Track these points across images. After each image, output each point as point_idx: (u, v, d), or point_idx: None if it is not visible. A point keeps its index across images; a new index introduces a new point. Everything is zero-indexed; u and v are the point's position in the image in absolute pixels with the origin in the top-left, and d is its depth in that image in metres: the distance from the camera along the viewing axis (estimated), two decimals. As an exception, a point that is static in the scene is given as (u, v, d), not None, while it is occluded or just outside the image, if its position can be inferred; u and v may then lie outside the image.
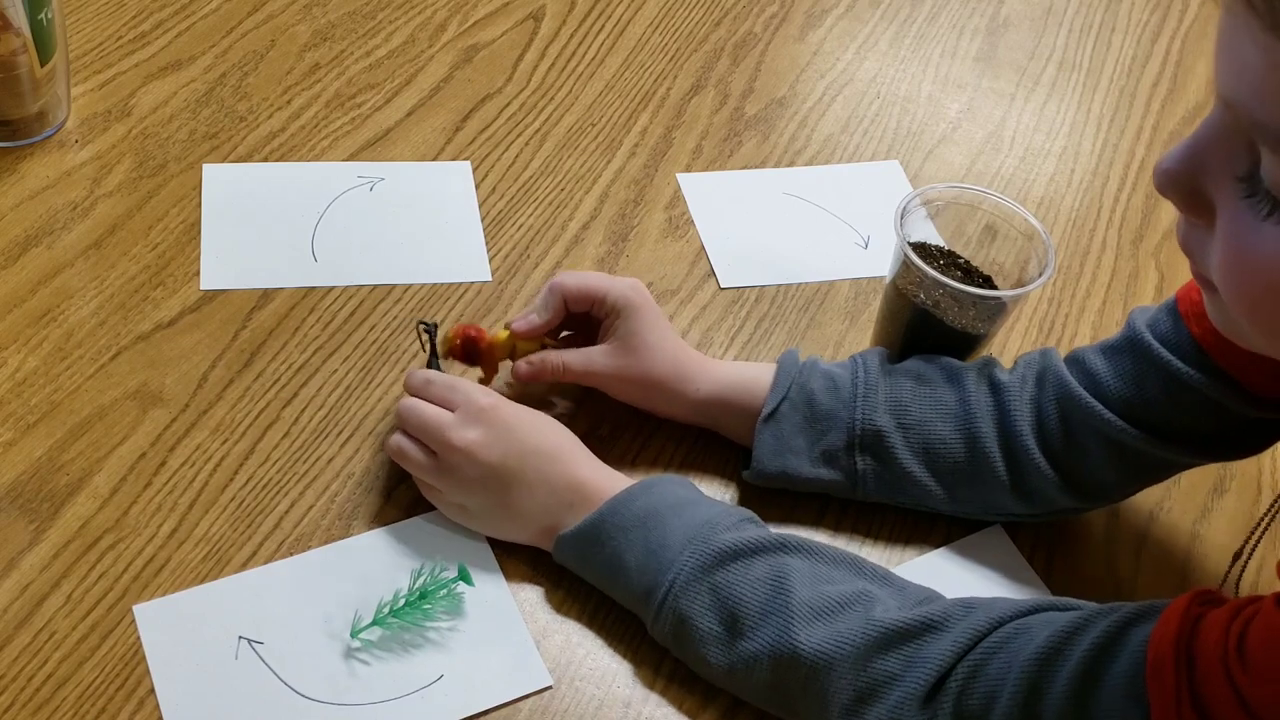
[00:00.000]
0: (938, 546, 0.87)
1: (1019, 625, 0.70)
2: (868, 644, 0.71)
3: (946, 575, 0.85)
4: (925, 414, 0.84)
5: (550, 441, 0.82)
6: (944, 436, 0.84)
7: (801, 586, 0.74)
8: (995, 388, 0.85)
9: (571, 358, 0.87)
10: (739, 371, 0.89)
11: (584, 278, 0.88)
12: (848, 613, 0.73)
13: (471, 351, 0.88)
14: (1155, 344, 0.79)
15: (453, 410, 0.81)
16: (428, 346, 0.88)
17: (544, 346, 0.89)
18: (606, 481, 0.80)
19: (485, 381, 0.89)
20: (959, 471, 0.84)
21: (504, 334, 0.88)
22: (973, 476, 0.84)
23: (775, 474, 0.85)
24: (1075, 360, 0.85)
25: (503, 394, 0.84)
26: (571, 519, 0.79)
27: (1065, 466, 0.83)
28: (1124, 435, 0.80)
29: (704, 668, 0.76)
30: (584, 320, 0.90)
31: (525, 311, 0.88)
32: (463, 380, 0.83)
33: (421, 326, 0.88)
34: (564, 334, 0.91)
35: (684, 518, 0.78)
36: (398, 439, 0.82)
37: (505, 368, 0.89)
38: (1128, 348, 0.82)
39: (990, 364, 0.87)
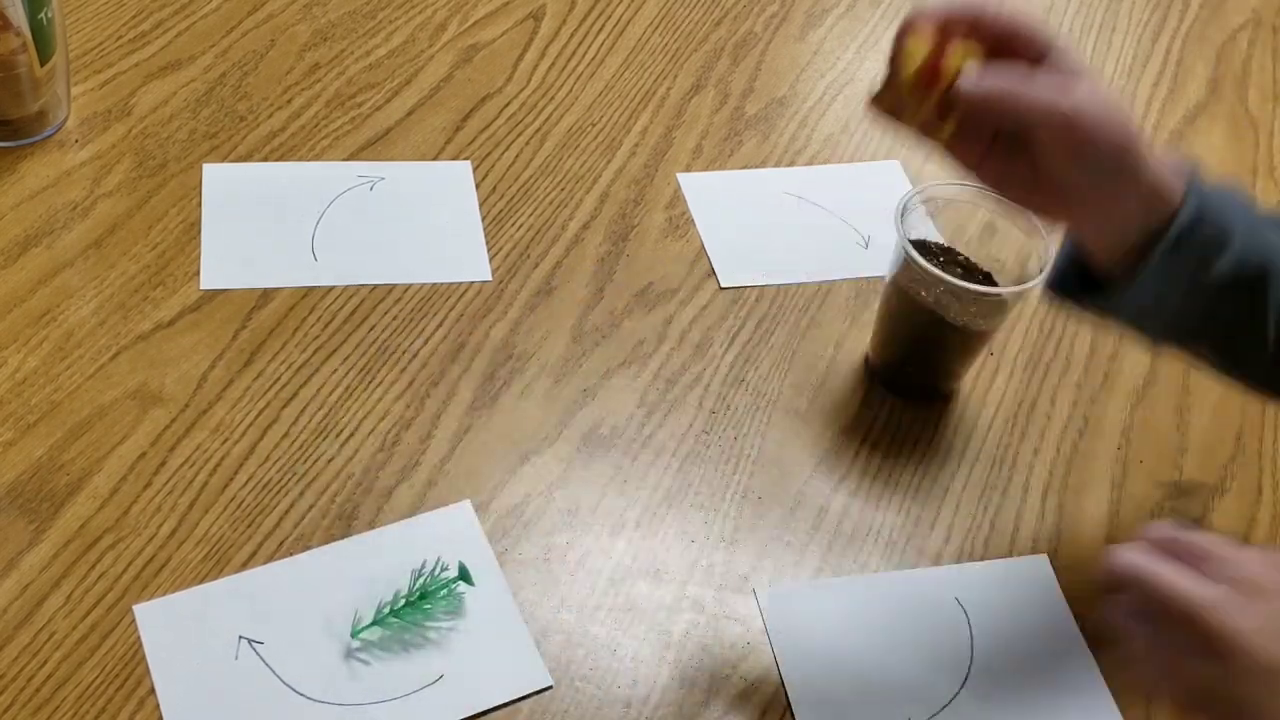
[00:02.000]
0: (936, 550, 0.87)
1: None
2: None
3: (961, 587, 0.85)
4: None
5: None
6: None
7: None
8: None
9: (1019, 86, 0.67)
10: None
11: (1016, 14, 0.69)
12: None
13: (934, 79, 0.67)
14: None
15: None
16: None
17: None
18: None
19: (930, 128, 0.70)
20: None
21: (956, 53, 0.66)
22: None
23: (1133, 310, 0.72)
24: None
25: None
26: None
27: None
28: None
29: None
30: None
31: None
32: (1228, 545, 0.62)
33: None
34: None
35: None
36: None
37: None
38: None
39: None
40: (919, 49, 0.66)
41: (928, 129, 0.71)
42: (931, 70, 0.66)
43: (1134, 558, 0.60)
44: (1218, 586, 0.58)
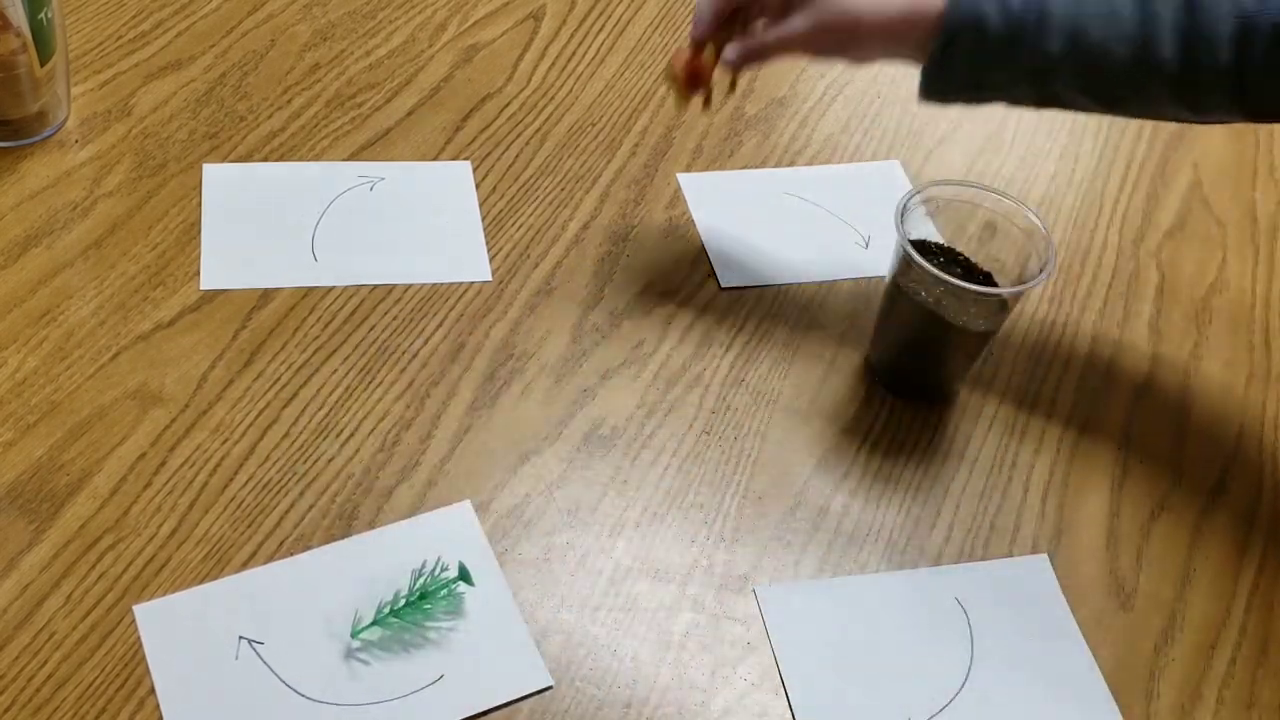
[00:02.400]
0: (936, 550, 0.87)
1: None
2: None
3: (961, 587, 0.85)
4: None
5: None
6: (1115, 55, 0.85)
7: None
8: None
9: (768, 36, 0.91)
10: None
11: None
12: None
13: (697, 78, 0.93)
14: None
15: None
16: None
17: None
18: None
19: (707, 104, 0.98)
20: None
21: (708, 52, 0.93)
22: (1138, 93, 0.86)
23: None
24: None
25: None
26: None
27: (1252, 95, 0.84)
28: None
29: None
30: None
31: (695, 19, 0.93)
32: None
33: None
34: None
35: None
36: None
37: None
38: None
39: None
40: (674, 71, 0.94)
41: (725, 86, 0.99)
42: (693, 73, 0.93)
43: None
44: None
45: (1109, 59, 0.84)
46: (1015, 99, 0.90)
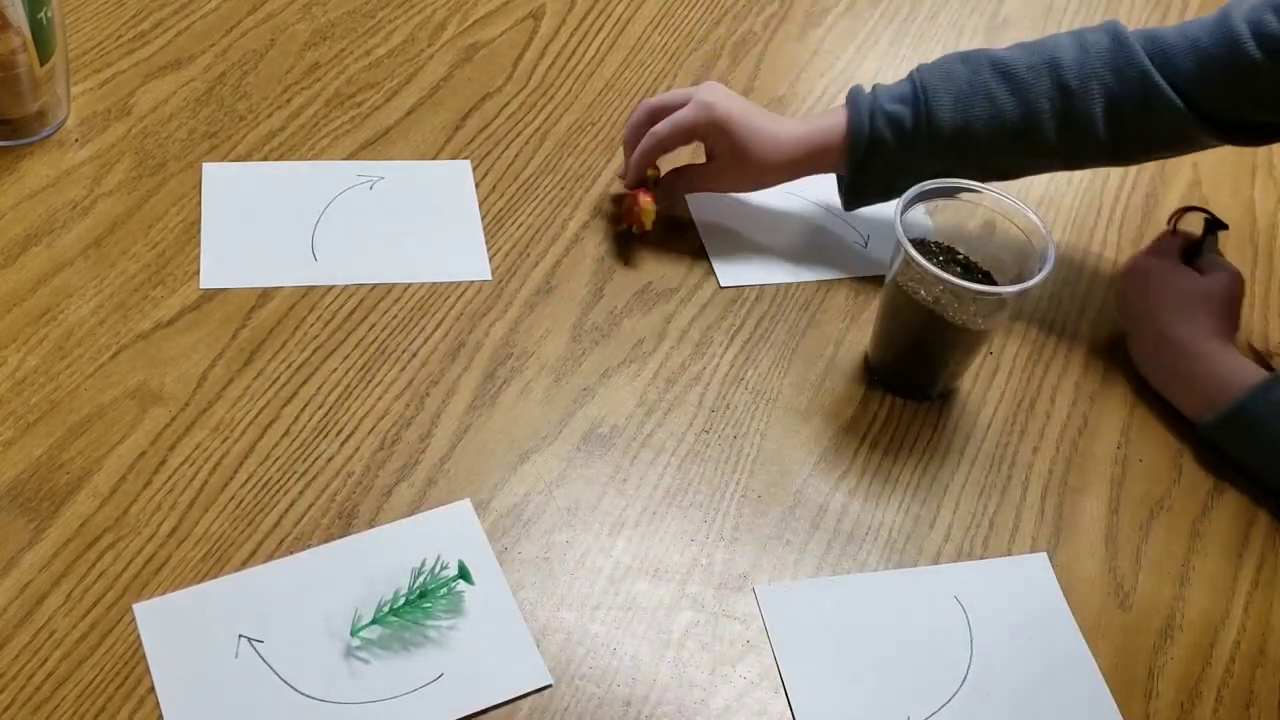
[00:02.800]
0: (935, 548, 0.87)
1: None
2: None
3: (961, 585, 0.86)
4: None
5: None
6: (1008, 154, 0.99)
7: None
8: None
9: (698, 185, 1.06)
10: (814, 133, 1.00)
11: (672, 123, 1.00)
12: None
13: (630, 214, 1.04)
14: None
15: None
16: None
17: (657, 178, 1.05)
18: None
19: (634, 230, 1.05)
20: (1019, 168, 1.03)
21: (651, 170, 1.04)
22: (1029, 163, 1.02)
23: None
24: (1162, 58, 0.95)
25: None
26: None
27: (1124, 152, 1.00)
28: (1195, 129, 0.95)
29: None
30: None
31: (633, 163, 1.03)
32: None
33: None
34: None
35: None
36: None
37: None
38: (1224, 58, 0.92)
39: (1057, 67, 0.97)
40: (650, 207, 1.03)
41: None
42: (628, 209, 1.04)
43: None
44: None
45: (999, 149, 0.97)
46: None
